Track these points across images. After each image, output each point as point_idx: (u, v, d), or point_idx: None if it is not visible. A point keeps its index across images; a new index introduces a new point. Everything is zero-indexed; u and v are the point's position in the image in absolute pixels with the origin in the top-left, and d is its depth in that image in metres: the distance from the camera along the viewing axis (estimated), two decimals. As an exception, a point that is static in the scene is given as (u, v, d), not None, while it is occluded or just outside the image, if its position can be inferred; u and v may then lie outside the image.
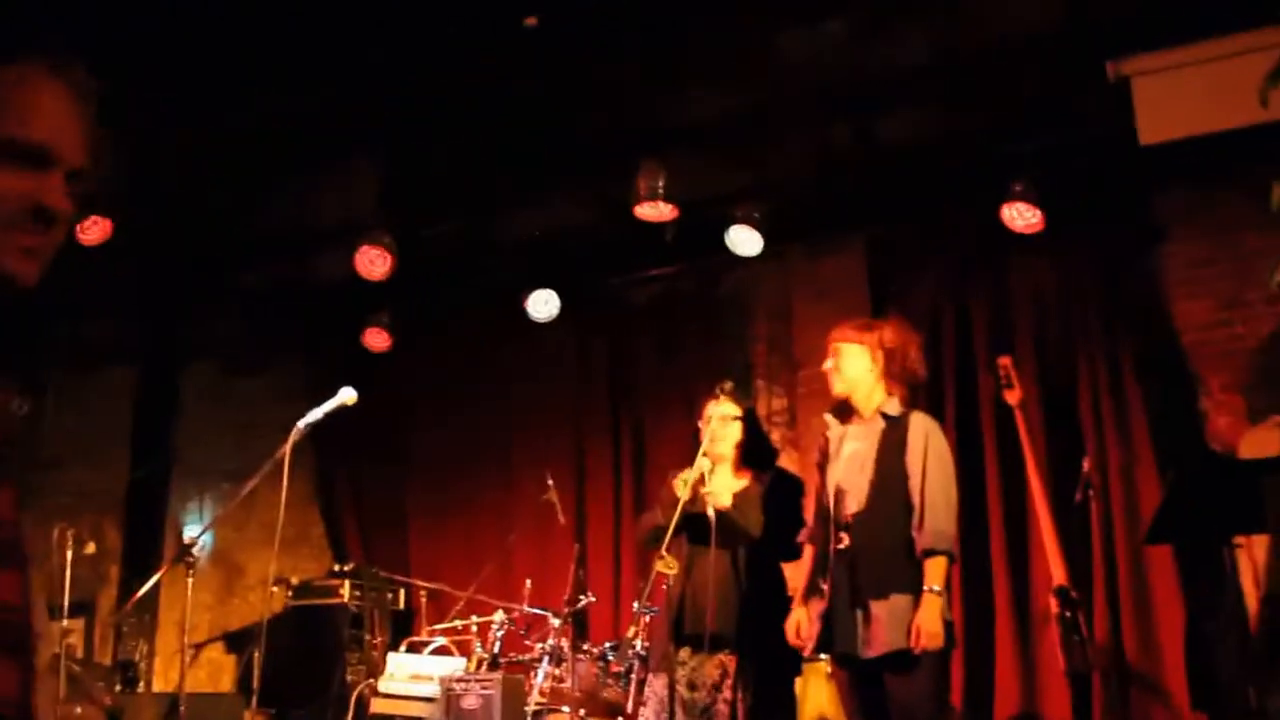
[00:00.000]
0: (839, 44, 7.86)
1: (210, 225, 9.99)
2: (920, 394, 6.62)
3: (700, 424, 5.07)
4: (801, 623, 4.65)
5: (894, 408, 4.59)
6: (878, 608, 4.30)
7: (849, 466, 4.55)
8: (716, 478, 5.00)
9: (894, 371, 4.64)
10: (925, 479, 4.45)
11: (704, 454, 4.93)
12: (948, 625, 4.37)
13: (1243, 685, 6.05)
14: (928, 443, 4.51)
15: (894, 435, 4.53)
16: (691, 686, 4.61)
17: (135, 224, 8.66)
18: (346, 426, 8.22)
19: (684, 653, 4.73)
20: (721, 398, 5.02)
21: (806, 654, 4.81)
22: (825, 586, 4.46)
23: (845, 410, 4.74)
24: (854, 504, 4.46)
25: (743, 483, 4.91)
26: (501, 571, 7.51)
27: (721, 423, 4.97)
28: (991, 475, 6.66)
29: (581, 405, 8.20)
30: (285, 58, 7.72)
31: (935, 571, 4.34)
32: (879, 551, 4.38)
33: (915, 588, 4.32)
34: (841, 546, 4.43)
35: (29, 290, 1.36)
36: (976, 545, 6.67)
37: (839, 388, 4.66)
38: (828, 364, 4.69)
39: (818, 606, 4.51)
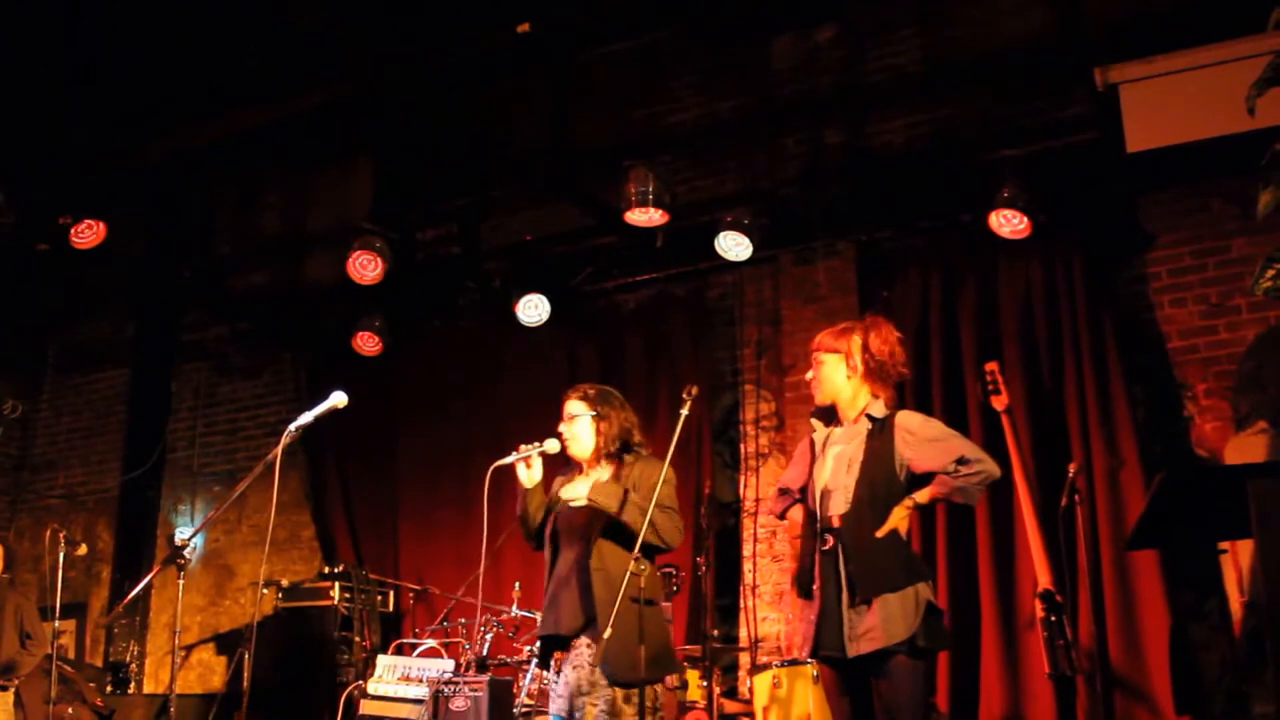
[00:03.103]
0: (829, 51, 7.92)
1: (204, 229, 10.03)
2: (907, 395, 6.71)
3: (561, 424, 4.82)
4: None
5: (879, 410, 4.60)
6: (866, 608, 4.32)
7: (835, 468, 4.56)
8: (577, 482, 4.77)
9: (875, 373, 4.62)
10: (952, 441, 4.46)
11: (557, 438, 4.71)
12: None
13: (1227, 689, 6.10)
14: (921, 422, 4.54)
15: (880, 437, 4.53)
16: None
17: (129, 227, 8.68)
18: (338, 429, 8.31)
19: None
20: (572, 397, 4.82)
21: (801, 656, 4.80)
22: (816, 589, 4.47)
23: (830, 413, 4.75)
24: (840, 505, 4.47)
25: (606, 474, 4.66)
26: (491, 574, 7.53)
27: (568, 421, 4.77)
28: (978, 479, 6.68)
29: (571, 409, 8.19)
30: (278, 63, 7.76)
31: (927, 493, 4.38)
32: (866, 552, 4.38)
33: (902, 587, 4.33)
34: (826, 548, 4.45)
35: None
36: (962, 549, 6.71)
37: (820, 398, 4.69)
38: (809, 374, 4.71)
39: (809, 609, 4.52)
